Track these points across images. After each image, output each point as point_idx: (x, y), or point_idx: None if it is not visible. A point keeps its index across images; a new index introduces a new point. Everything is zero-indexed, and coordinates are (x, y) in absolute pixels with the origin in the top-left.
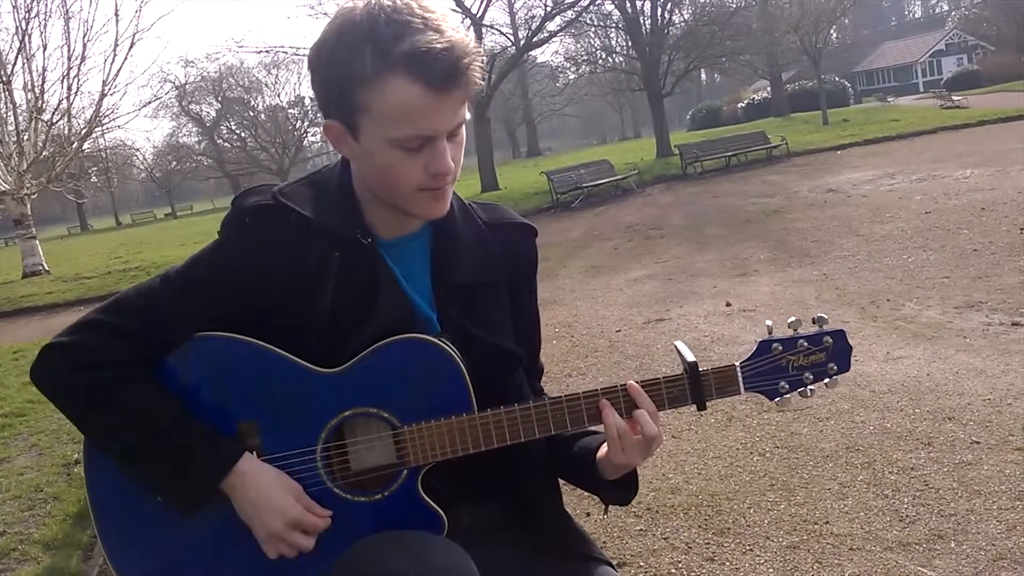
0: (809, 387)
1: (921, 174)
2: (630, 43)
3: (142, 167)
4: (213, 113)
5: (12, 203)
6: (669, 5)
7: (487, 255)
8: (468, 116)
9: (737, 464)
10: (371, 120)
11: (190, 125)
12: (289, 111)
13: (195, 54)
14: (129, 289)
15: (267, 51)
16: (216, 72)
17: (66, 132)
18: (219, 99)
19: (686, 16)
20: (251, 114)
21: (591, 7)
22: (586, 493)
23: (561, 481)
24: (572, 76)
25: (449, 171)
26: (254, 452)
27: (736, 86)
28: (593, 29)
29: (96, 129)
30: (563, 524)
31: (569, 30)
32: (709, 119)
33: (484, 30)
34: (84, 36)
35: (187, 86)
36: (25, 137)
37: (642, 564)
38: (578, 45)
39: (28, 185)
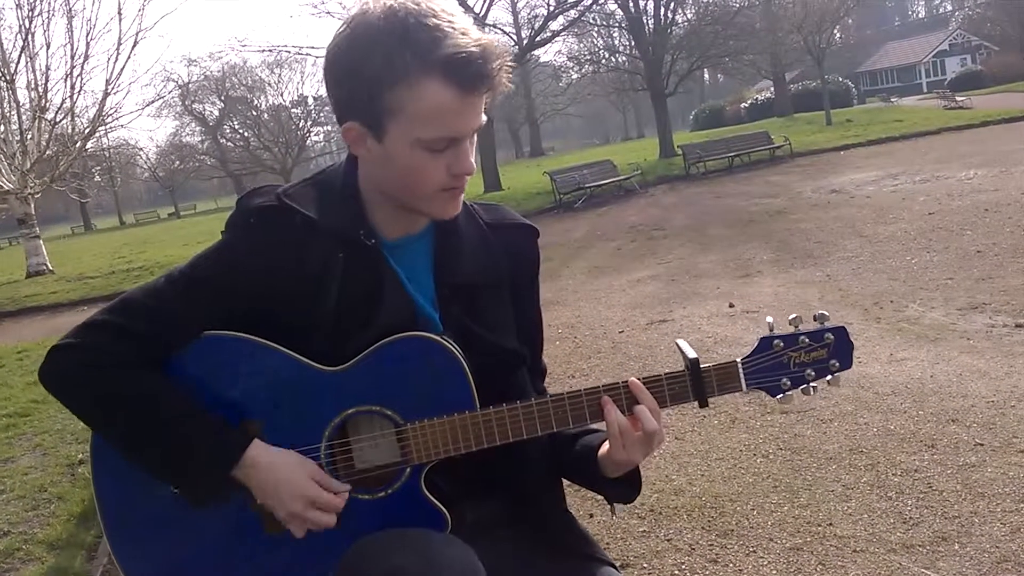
0: (811, 384)
1: (925, 175)
2: (633, 43)
3: (145, 166)
4: (216, 112)
5: (16, 202)
6: (672, 5)
7: (489, 256)
8: (485, 120)
9: (740, 466)
10: (401, 121)
11: (193, 124)
12: (292, 110)
13: (198, 53)
14: (134, 289)
15: (270, 50)
16: (219, 71)
17: (69, 131)
18: (222, 98)
19: (689, 16)
20: (254, 113)
21: (594, 7)
22: (590, 494)
23: (565, 481)
24: (575, 76)
25: (472, 171)
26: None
27: (739, 86)
28: (596, 29)
29: (99, 128)
30: (565, 523)
31: (572, 30)
32: (712, 119)
33: (487, 30)
34: (87, 35)
35: (190, 85)
36: (29, 136)
37: (645, 565)
38: (581, 45)
39: (32, 184)
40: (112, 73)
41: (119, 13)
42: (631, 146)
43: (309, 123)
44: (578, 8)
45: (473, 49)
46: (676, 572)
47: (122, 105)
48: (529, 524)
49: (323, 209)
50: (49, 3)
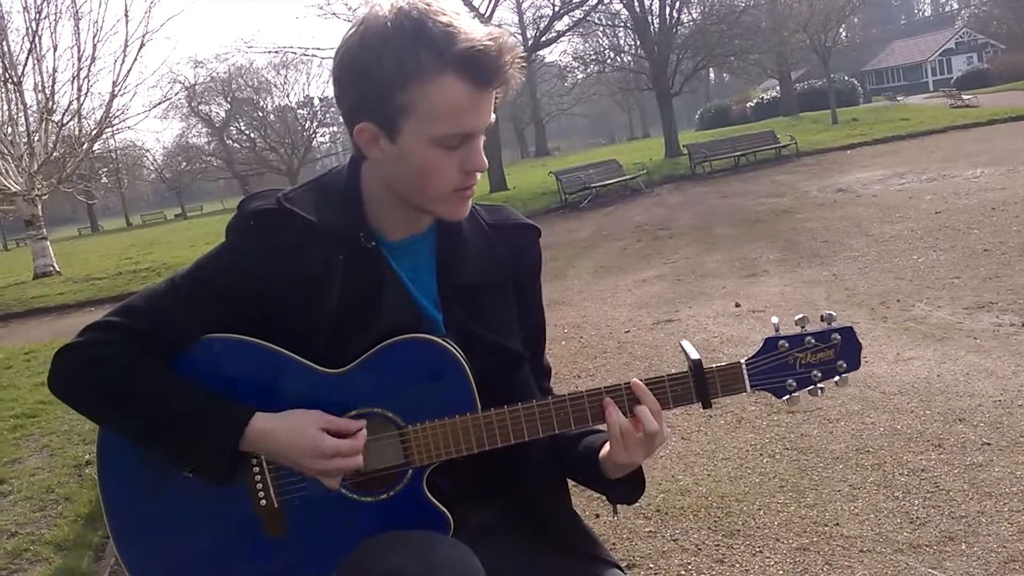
0: (818, 385)
1: (931, 174)
2: (638, 42)
3: (152, 168)
4: (222, 114)
5: (23, 204)
6: (677, 4)
7: (492, 256)
8: (494, 118)
9: (747, 466)
10: (415, 120)
11: (200, 126)
12: (298, 112)
13: (204, 54)
14: (137, 294)
15: (276, 51)
16: (225, 72)
17: (76, 133)
18: (228, 100)
19: (695, 15)
20: (260, 114)
21: (599, 6)
22: (595, 495)
23: (570, 482)
24: (580, 76)
25: (484, 167)
26: (261, 455)
27: (745, 85)
28: (601, 28)
29: (106, 130)
30: (570, 524)
31: (577, 29)
32: (718, 118)
33: None
34: (94, 37)
35: (196, 87)
36: (36, 138)
37: (651, 566)
38: (586, 44)
39: (39, 186)
40: (119, 75)
41: (126, 15)
42: (636, 146)
43: (315, 124)
44: (583, 8)
45: (488, 43)
46: (682, 572)
47: (129, 107)
48: (533, 525)
49: (323, 212)
50: (56, 5)
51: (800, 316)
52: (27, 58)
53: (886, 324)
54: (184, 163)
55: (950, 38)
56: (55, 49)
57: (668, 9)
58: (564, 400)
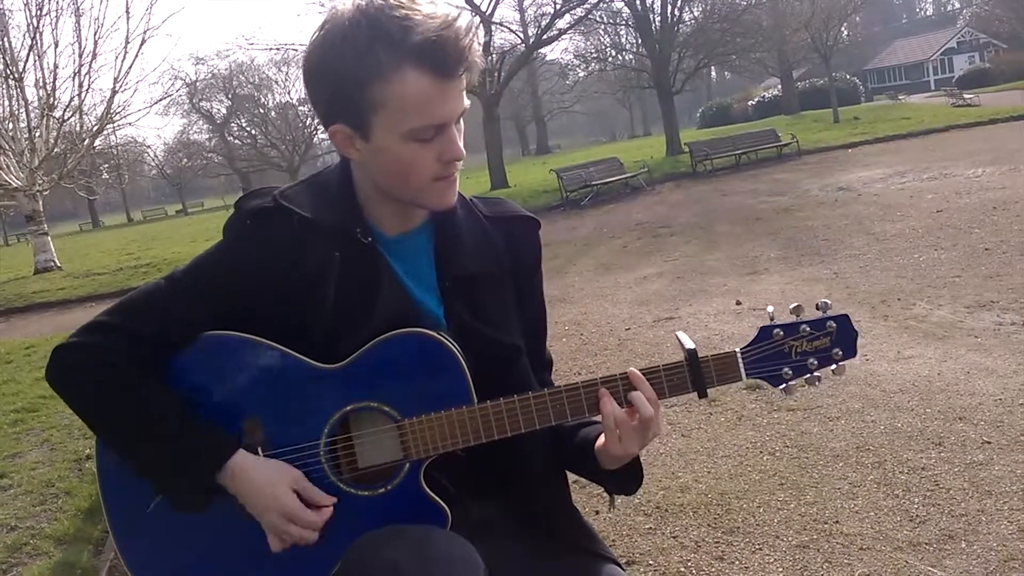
0: (814, 373)
1: (932, 172)
2: (640, 40)
3: (153, 164)
4: (223, 110)
5: (24, 199)
6: (679, 2)
7: (490, 248)
8: (468, 103)
9: (747, 463)
10: (384, 116)
11: (201, 122)
12: (299, 108)
13: (206, 51)
14: (135, 291)
15: (277, 48)
16: (226, 69)
17: (77, 129)
18: (229, 96)
19: (696, 13)
20: (261, 111)
21: (601, 4)
22: (596, 490)
23: (571, 477)
24: (582, 73)
25: (461, 156)
26: (259, 448)
27: (746, 84)
28: (603, 26)
29: (107, 126)
30: (569, 520)
31: (579, 27)
32: (719, 117)
33: (494, 28)
34: (95, 33)
35: (198, 83)
36: (37, 134)
37: (651, 562)
38: (588, 42)
39: (40, 182)
40: (120, 71)
41: (127, 12)
42: (638, 144)
43: (316, 121)
44: (585, 6)
45: (444, 32)
46: (682, 569)
47: (130, 103)
48: (533, 521)
49: (319, 209)
50: (57, 2)
51: (795, 305)
52: (28, 54)
53: (887, 322)
54: (185, 159)
55: (952, 37)
56: (56, 45)
57: (670, 7)
58: (560, 392)
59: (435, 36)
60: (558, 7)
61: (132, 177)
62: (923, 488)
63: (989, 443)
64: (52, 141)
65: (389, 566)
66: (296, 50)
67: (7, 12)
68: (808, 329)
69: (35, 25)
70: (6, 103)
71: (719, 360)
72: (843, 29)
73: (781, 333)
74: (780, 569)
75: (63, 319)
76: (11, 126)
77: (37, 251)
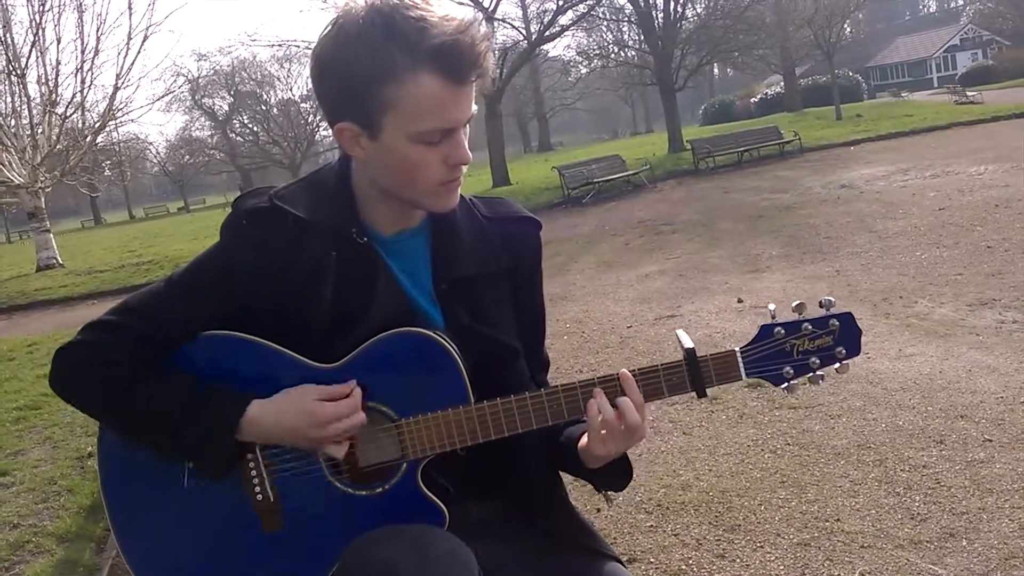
0: (817, 372)
1: (935, 170)
2: (642, 37)
3: (155, 161)
4: (226, 107)
5: (26, 196)
6: None
7: (488, 249)
8: (476, 109)
9: (748, 461)
10: (395, 117)
11: (203, 119)
12: (301, 105)
13: (208, 48)
14: (135, 293)
15: (280, 45)
16: (229, 66)
17: (80, 126)
18: (232, 93)
19: (699, 10)
20: (263, 108)
21: (603, 1)
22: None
23: (567, 475)
24: (584, 70)
25: (468, 160)
26: (256, 449)
27: (749, 81)
28: (605, 23)
29: (109, 123)
30: (568, 518)
31: (581, 24)
32: (721, 114)
33: (496, 24)
34: (98, 30)
35: (200, 80)
36: (39, 131)
37: (652, 560)
38: (590, 39)
39: (42, 178)
40: (122, 68)
41: (129, 8)
42: (640, 141)
43: (318, 118)
44: (587, 2)
45: (460, 37)
46: (683, 567)
47: (132, 99)
48: (532, 520)
49: (315, 208)
50: None
51: (798, 303)
52: (31, 50)
53: (888, 320)
54: (187, 156)
55: (955, 34)
56: (59, 42)
57: (672, 4)
58: (557, 391)
59: (452, 40)
60: (560, 3)
61: (134, 174)
62: (924, 486)
63: (990, 441)
64: (54, 138)
65: (387, 566)
66: (299, 47)
67: (9, 8)
68: (810, 327)
69: (37, 21)
70: (8, 99)
71: (718, 359)
72: (846, 26)
73: (782, 331)
74: (781, 567)
75: (65, 316)
76: (13, 122)
77: (39, 248)
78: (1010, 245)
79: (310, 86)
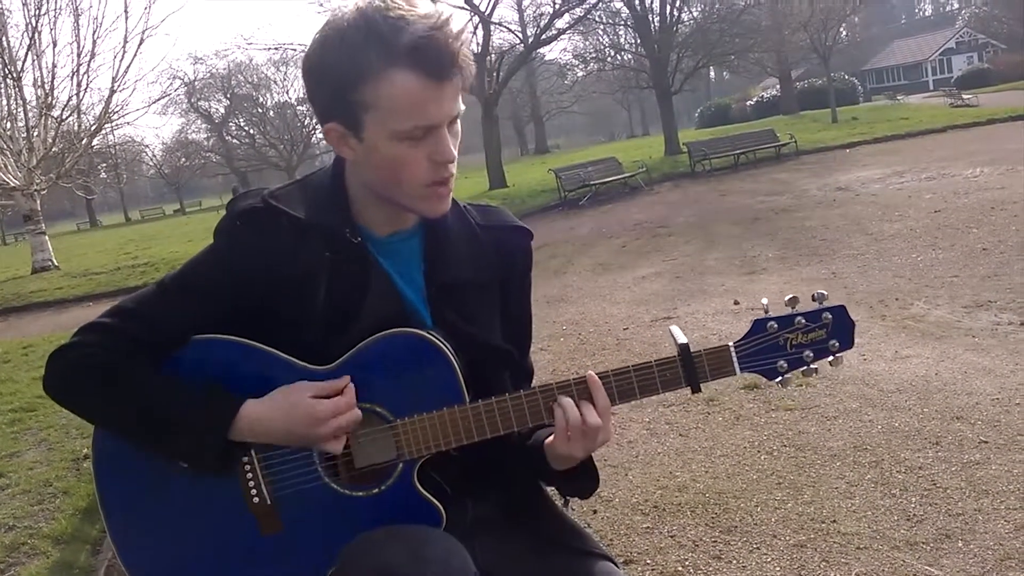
0: (811, 365)
1: (931, 173)
2: (639, 40)
3: (151, 163)
4: (222, 110)
5: (22, 199)
6: (678, 2)
7: (480, 255)
8: (463, 108)
9: (744, 462)
10: (375, 116)
11: (199, 122)
12: (298, 108)
13: (204, 51)
14: (130, 295)
15: (276, 48)
16: (225, 69)
17: (76, 128)
18: (228, 96)
19: (695, 13)
20: (260, 111)
21: (600, 4)
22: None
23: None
24: (580, 73)
25: (452, 158)
26: (251, 451)
27: (745, 84)
28: (602, 26)
29: (105, 125)
30: (558, 519)
31: (578, 27)
32: (718, 117)
33: (492, 28)
34: (94, 33)
35: (196, 83)
36: (35, 133)
37: (649, 562)
38: (587, 42)
39: (38, 181)
40: (118, 71)
41: (125, 11)
42: (636, 143)
43: (314, 121)
44: (584, 6)
45: (434, 33)
46: (680, 568)
47: (128, 102)
48: (526, 519)
49: (310, 209)
50: (56, 1)
51: (790, 296)
52: (27, 53)
53: (885, 322)
54: (183, 159)
55: (950, 38)
56: (55, 45)
57: (668, 7)
58: (551, 388)
59: (426, 36)
60: (557, 7)
61: (130, 177)
62: (920, 487)
63: (986, 443)
64: (50, 140)
65: (385, 568)
66: (295, 50)
67: (5, 11)
68: (803, 321)
69: (34, 24)
70: (4, 102)
71: (712, 354)
72: (842, 29)
73: (775, 326)
74: (777, 568)
75: (61, 319)
76: (9, 125)
77: (35, 250)
78: (1006, 247)
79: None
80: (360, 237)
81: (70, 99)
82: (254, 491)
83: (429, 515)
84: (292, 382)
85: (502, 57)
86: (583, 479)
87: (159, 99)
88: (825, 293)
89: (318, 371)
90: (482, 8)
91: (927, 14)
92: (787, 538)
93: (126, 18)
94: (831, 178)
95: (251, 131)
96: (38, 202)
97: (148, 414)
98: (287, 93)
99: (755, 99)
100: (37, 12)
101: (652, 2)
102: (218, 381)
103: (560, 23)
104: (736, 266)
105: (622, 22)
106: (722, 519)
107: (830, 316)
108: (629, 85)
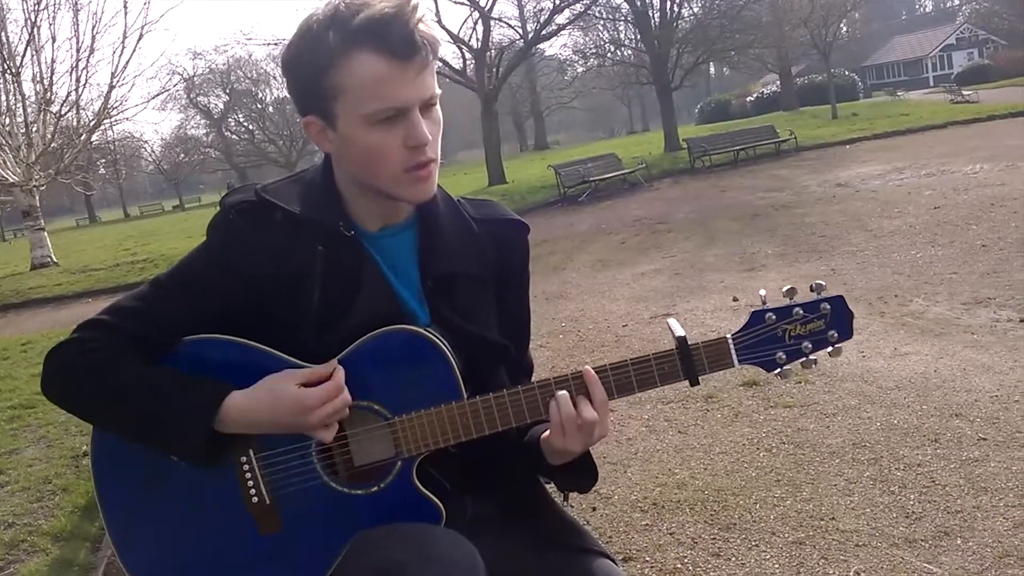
0: (810, 356)
1: (930, 169)
2: (639, 36)
3: (150, 159)
4: (221, 105)
5: (21, 195)
6: None
7: (475, 249)
8: (438, 91)
9: (743, 460)
10: (344, 102)
11: (198, 117)
12: None
13: (203, 46)
14: (127, 293)
15: (275, 43)
16: (224, 64)
17: (75, 124)
18: (227, 91)
19: (695, 9)
20: (259, 106)
21: (599, 0)
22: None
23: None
24: (580, 69)
25: (425, 140)
26: (250, 450)
27: (745, 80)
28: (602, 22)
29: (104, 121)
30: (557, 518)
31: (577, 23)
32: (718, 113)
33: (492, 23)
34: (93, 28)
35: (195, 78)
36: (34, 129)
37: (648, 559)
38: (586, 38)
39: (37, 177)
40: (117, 66)
41: (124, 7)
42: (636, 140)
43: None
44: (583, 2)
45: (388, 12)
46: (678, 566)
47: (127, 98)
48: (525, 517)
49: (303, 204)
50: None
51: (788, 287)
52: (26, 49)
53: (884, 319)
54: (182, 154)
55: (951, 34)
56: (54, 40)
57: (669, 3)
58: (549, 383)
59: (379, 16)
60: (557, 3)
61: (129, 172)
62: (919, 484)
63: (985, 440)
64: (49, 136)
65: (390, 565)
66: None
67: (4, 6)
68: (802, 312)
69: (33, 19)
70: (3, 98)
71: (710, 347)
72: (842, 25)
73: (773, 317)
74: (776, 565)
75: (60, 315)
76: (8, 121)
77: (34, 247)
78: (1005, 244)
79: None
80: (352, 231)
81: (69, 94)
82: (252, 490)
83: (429, 512)
84: None
85: (502, 53)
86: (581, 474)
87: (158, 95)
88: (823, 283)
89: None
90: (482, 3)
91: (927, 10)
92: (786, 535)
93: (125, 13)
94: (831, 174)
95: (250, 127)
96: (37, 198)
97: (138, 408)
98: (286, 89)
99: (755, 95)
100: (36, 7)
101: None
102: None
103: (560, 18)
104: (735, 263)
105: (622, 17)
106: (721, 516)
107: (828, 306)
108: (629, 81)
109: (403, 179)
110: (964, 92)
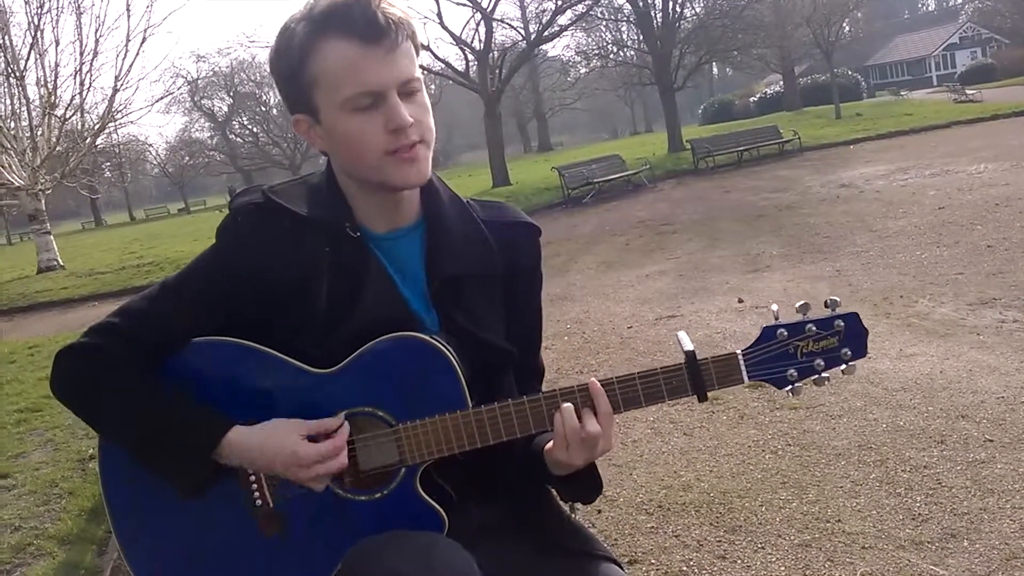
0: (822, 374)
1: (935, 169)
2: (641, 37)
3: (155, 162)
4: (225, 108)
5: (27, 199)
6: None
7: (484, 250)
8: (418, 75)
9: (749, 462)
10: (321, 92)
11: (202, 120)
12: None
13: (207, 49)
14: (135, 297)
15: None
16: (228, 67)
17: (79, 127)
18: (231, 94)
19: (698, 10)
20: (263, 109)
21: (602, 1)
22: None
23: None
24: (583, 70)
25: (406, 122)
26: (242, 466)
27: (748, 80)
28: (604, 23)
29: (109, 124)
30: (562, 523)
31: (580, 24)
32: (721, 113)
33: (495, 25)
34: (96, 31)
35: (199, 81)
36: (39, 132)
37: (653, 562)
38: (589, 39)
39: (42, 181)
40: (121, 69)
41: (127, 10)
42: (639, 140)
43: None
44: (586, 2)
45: None
46: (684, 568)
47: (131, 101)
48: (531, 524)
49: (309, 205)
50: (58, 0)
51: (801, 303)
52: (29, 52)
53: (889, 320)
54: (187, 157)
55: (954, 33)
56: (57, 44)
57: (671, 3)
58: (555, 394)
59: (342, 2)
60: (559, 3)
61: (134, 176)
62: (925, 486)
63: (991, 441)
64: (54, 140)
65: (391, 573)
66: None
67: (8, 10)
68: (814, 329)
69: (36, 23)
70: (8, 102)
71: (719, 362)
72: (845, 25)
73: (785, 333)
74: (782, 568)
75: (66, 318)
76: (13, 125)
77: (40, 250)
78: (1010, 244)
79: None
80: (359, 232)
81: (73, 98)
82: (256, 495)
83: (431, 521)
84: (294, 387)
85: (504, 54)
86: (584, 486)
87: (162, 98)
88: (838, 299)
89: (320, 375)
90: (484, 5)
91: (930, 9)
92: (792, 538)
93: (128, 16)
94: (835, 175)
95: (255, 129)
96: (43, 202)
97: (140, 433)
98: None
99: (758, 95)
100: (39, 11)
101: None
102: (220, 385)
103: (562, 19)
104: (740, 264)
105: (624, 18)
106: (727, 519)
107: (842, 323)
108: (632, 82)
109: (387, 162)
110: (968, 91)
